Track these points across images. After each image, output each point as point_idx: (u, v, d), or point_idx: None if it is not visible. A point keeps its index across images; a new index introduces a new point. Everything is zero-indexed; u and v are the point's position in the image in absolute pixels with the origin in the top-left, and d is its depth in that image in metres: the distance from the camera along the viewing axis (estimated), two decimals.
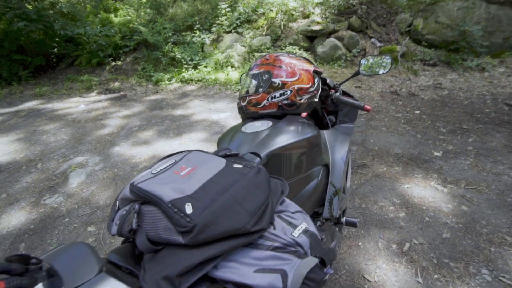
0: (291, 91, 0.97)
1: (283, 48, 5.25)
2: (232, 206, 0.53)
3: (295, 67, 0.98)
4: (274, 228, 0.59)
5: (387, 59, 1.15)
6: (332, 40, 5.09)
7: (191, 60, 5.29)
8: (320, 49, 5.12)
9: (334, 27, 5.24)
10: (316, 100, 1.04)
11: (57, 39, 5.65)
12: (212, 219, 0.50)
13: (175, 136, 2.99)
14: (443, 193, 1.92)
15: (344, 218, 1.13)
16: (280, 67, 0.98)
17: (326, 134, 1.10)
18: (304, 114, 1.12)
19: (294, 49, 5.14)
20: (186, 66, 5.23)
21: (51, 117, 3.69)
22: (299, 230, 0.61)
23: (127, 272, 0.56)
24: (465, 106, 3.34)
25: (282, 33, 5.51)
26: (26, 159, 2.64)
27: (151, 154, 2.61)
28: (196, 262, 0.48)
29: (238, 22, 5.77)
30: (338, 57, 5.05)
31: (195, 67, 5.26)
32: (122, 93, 4.61)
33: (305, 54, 5.14)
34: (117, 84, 5.02)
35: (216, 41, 5.75)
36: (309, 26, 5.24)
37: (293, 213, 0.66)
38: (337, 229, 1.08)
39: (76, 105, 4.13)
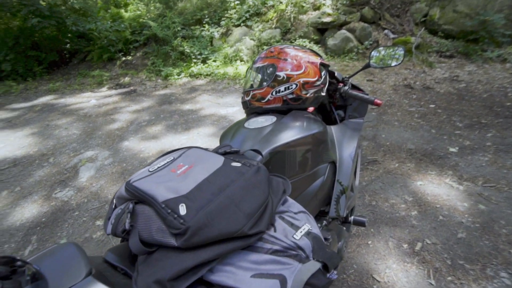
0: (297, 85, 0.92)
1: (293, 41, 5.15)
2: (228, 207, 0.50)
3: (300, 59, 0.94)
4: (275, 230, 0.56)
5: (400, 51, 1.09)
6: (343, 32, 4.95)
7: (200, 54, 5.27)
8: (330, 42, 4.99)
9: (345, 19, 5.08)
10: (323, 94, 0.99)
11: (69, 35, 5.74)
12: (207, 221, 0.47)
13: (183, 131, 2.99)
14: (458, 191, 1.84)
15: (352, 217, 1.08)
16: (285, 60, 0.93)
17: (333, 129, 1.05)
18: (310, 109, 1.07)
19: (304, 42, 5.03)
20: (195, 60, 5.22)
21: (63, 112, 3.77)
22: (301, 232, 0.57)
23: (122, 273, 0.55)
24: (484, 100, 3.18)
25: (292, 26, 5.40)
26: (39, 153, 2.70)
27: (159, 149, 2.62)
28: (189, 266, 0.46)
29: (247, 15, 5.69)
30: (350, 49, 4.90)
31: (204, 61, 5.23)
32: (132, 87, 4.65)
33: (315, 47, 5.02)
34: (127, 79, 5.06)
35: (225, 34, 5.69)
36: (319, 18, 5.11)
37: (295, 213, 0.63)
38: (344, 228, 1.04)
39: (88, 100, 4.20)
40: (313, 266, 0.53)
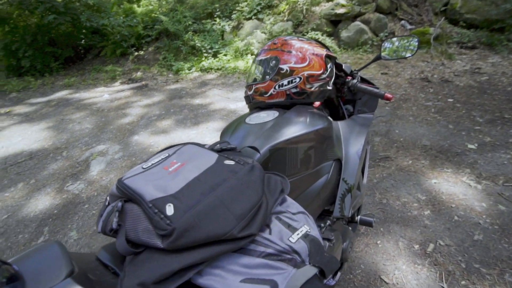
0: (300, 78, 0.88)
1: (305, 33, 5.02)
2: (218, 208, 0.47)
3: (305, 51, 0.89)
4: (270, 232, 0.53)
5: (413, 41, 1.02)
6: (357, 23, 4.78)
7: (211, 48, 5.24)
8: (344, 34, 4.83)
9: (360, 10, 4.90)
10: (329, 88, 0.94)
11: (84, 31, 5.86)
12: (194, 222, 0.45)
13: (193, 125, 2.99)
14: (476, 190, 1.74)
15: (359, 216, 1.04)
16: (289, 52, 0.89)
17: (341, 125, 1.00)
18: (317, 103, 1.02)
19: (317, 34, 4.90)
20: (205, 54, 5.20)
21: (77, 107, 3.86)
22: (298, 234, 0.54)
23: (112, 272, 0.54)
24: (508, 93, 2.99)
25: (304, 18, 5.27)
26: (53, 146, 2.78)
27: (168, 143, 2.63)
28: (174, 269, 0.43)
29: (258, 8, 5.60)
30: (364, 42, 4.74)
31: (214, 55, 5.21)
32: (143, 82, 4.70)
33: (328, 40, 4.89)
34: (139, 73, 5.12)
35: (236, 28, 5.64)
36: (333, 9, 4.96)
37: (294, 214, 0.59)
38: (350, 228, 1.00)
39: (101, 94, 4.28)
40: (309, 271, 0.50)
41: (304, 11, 5.26)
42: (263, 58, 0.93)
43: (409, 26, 4.71)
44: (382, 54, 1.08)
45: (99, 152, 2.55)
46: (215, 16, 5.78)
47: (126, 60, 5.63)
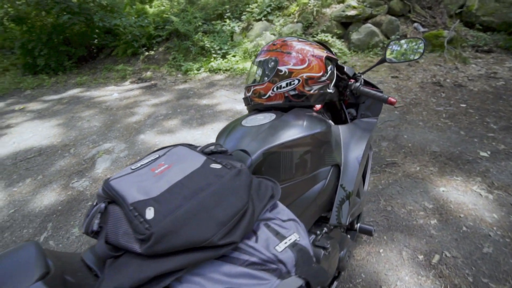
0: (299, 80, 0.85)
1: (315, 35, 4.98)
2: (199, 214, 0.45)
3: (304, 53, 0.86)
4: (256, 239, 0.51)
5: (420, 43, 0.98)
6: (368, 26, 4.70)
7: (220, 49, 5.26)
8: (354, 36, 4.76)
9: (371, 12, 4.82)
10: (330, 91, 0.92)
11: (97, 30, 5.98)
12: (173, 228, 0.43)
13: (198, 125, 2.99)
14: (487, 200, 1.67)
15: (359, 224, 1.00)
16: (288, 53, 0.87)
17: (342, 129, 0.97)
18: (318, 106, 1.00)
19: (326, 36, 4.85)
20: (214, 55, 5.22)
21: (88, 105, 3.93)
22: (285, 243, 0.52)
23: (94, 274, 0.53)
24: None
25: (314, 20, 5.23)
26: (62, 143, 2.83)
27: (173, 143, 2.64)
28: (150, 276, 0.42)
29: (268, 9, 5.59)
30: (375, 44, 4.65)
31: (223, 56, 5.22)
32: (153, 82, 4.76)
33: (338, 42, 4.83)
34: (149, 73, 5.19)
35: (246, 29, 5.64)
36: (343, 11, 4.89)
37: (284, 221, 0.57)
38: (348, 236, 0.97)
39: (111, 93, 4.35)
40: (294, 282, 0.48)
41: (315, 12, 5.22)
42: (262, 59, 0.91)
43: (422, 29, 4.59)
44: (387, 56, 1.05)
45: (105, 150, 2.58)
46: (225, 17, 5.80)
47: (137, 60, 5.72)
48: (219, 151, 0.64)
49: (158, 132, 2.91)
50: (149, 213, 0.45)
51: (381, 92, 1.01)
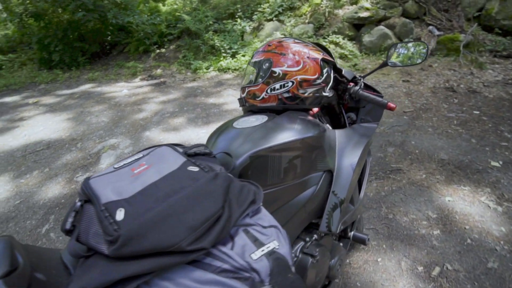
0: (293, 82, 0.83)
1: (326, 37, 4.91)
2: (169, 217, 0.44)
3: (299, 55, 0.84)
4: (232, 246, 0.49)
5: (422, 47, 0.94)
6: (381, 28, 4.60)
7: (230, 48, 5.26)
8: (366, 38, 4.67)
9: (385, 14, 4.72)
10: (326, 94, 0.89)
11: (111, 27, 6.09)
12: (141, 231, 0.42)
13: (203, 124, 3.00)
14: (496, 212, 1.59)
15: (352, 232, 0.97)
16: (283, 54, 0.85)
17: (338, 134, 0.94)
18: (315, 109, 0.97)
19: (338, 38, 4.77)
20: (224, 54, 5.23)
21: (98, 100, 4.01)
22: (262, 251, 0.50)
23: (69, 273, 0.52)
24: None
25: (326, 21, 5.16)
26: (70, 137, 2.89)
27: (177, 141, 2.66)
28: (115, 278, 0.41)
29: (280, 9, 5.56)
30: (387, 47, 4.55)
31: (233, 55, 5.22)
32: (162, 79, 4.80)
33: (349, 44, 4.75)
34: (159, 71, 5.24)
35: (257, 29, 5.62)
36: (356, 13, 4.81)
37: (265, 227, 0.55)
38: (341, 244, 0.94)
39: (120, 89, 4.42)
40: None
41: (327, 13, 5.15)
42: (257, 60, 0.90)
43: (437, 32, 4.46)
44: (389, 60, 1.01)
45: (111, 146, 2.62)
46: (237, 16, 5.80)
47: (148, 57, 5.79)
48: (202, 153, 0.63)
49: (163, 129, 2.93)
50: (120, 215, 0.45)
51: (382, 96, 0.97)
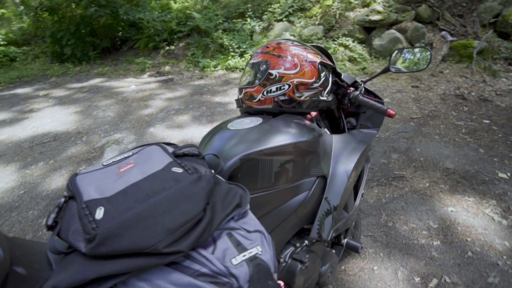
0: (289, 85, 0.82)
1: (336, 39, 4.87)
2: (147, 219, 0.44)
3: (297, 58, 0.83)
4: (214, 250, 0.49)
5: (426, 53, 0.91)
6: (392, 32, 4.53)
7: (239, 47, 5.26)
8: (377, 42, 4.60)
9: (397, 17, 4.65)
10: (323, 98, 0.87)
11: (122, 23, 6.16)
12: (118, 230, 0.42)
13: (207, 122, 3.01)
14: (500, 226, 1.55)
15: (346, 240, 0.95)
16: (281, 57, 0.83)
17: (335, 139, 0.92)
18: (313, 113, 0.96)
19: (347, 40, 4.72)
20: (232, 53, 5.23)
21: (105, 95, 4.06)
22: (243, 256, 0.49)
23: (51, 269, 0.53)
24: None
25: (336, 23, 5.11)
26: (76, 131, 2.94)
27: (180, 138, 2.67)
28: (89, 277, 0.41)
29: (290, 10, 5.53)
30: None
31: (241, 55, 5.22)
32: (170, 76, 4.84)
33: (359, 47, 4.69)
34: (167, 67, 5.28)
35: (266, 29, 5.61)
36: (367, 15, 4.75)
37: (249, 232, 0.54)
38: (333, 251, 0.92)
39: (129, 85, 4.47)
40: None
41: (337, 15, 5.10)
42: (255, 61, 0.89)
43: (450, 38, 4.37)
44: (391, 66, 0.99)
45: (115, 140, 2.65)
46: (247, 16, 5.80)
47: (157, 54, 5.84)
48: (191, 153, 0.62)
49: (167, 126, 2.95)
50: (99, 213, 0.45)
51: (382, 102, 0.95)
